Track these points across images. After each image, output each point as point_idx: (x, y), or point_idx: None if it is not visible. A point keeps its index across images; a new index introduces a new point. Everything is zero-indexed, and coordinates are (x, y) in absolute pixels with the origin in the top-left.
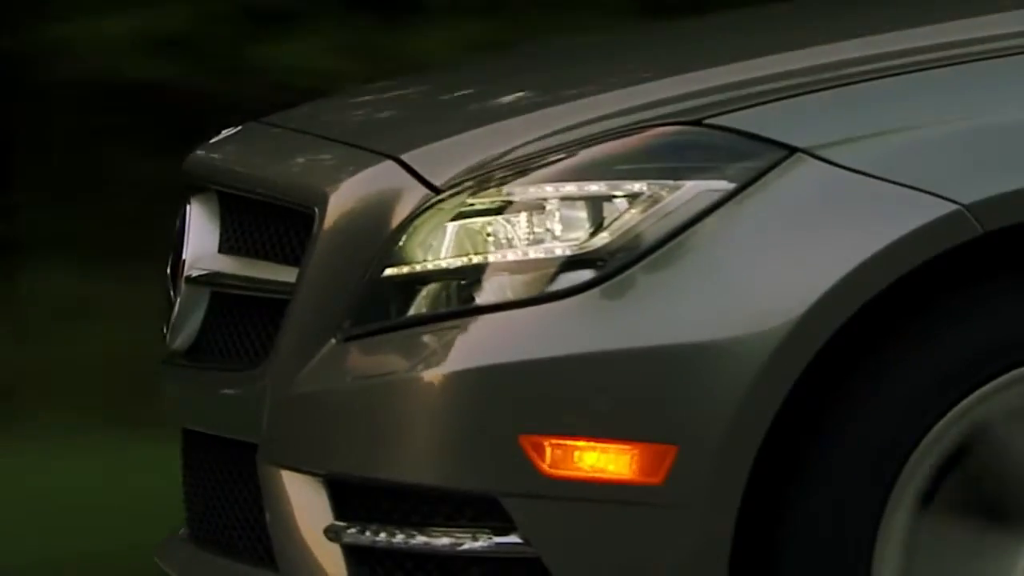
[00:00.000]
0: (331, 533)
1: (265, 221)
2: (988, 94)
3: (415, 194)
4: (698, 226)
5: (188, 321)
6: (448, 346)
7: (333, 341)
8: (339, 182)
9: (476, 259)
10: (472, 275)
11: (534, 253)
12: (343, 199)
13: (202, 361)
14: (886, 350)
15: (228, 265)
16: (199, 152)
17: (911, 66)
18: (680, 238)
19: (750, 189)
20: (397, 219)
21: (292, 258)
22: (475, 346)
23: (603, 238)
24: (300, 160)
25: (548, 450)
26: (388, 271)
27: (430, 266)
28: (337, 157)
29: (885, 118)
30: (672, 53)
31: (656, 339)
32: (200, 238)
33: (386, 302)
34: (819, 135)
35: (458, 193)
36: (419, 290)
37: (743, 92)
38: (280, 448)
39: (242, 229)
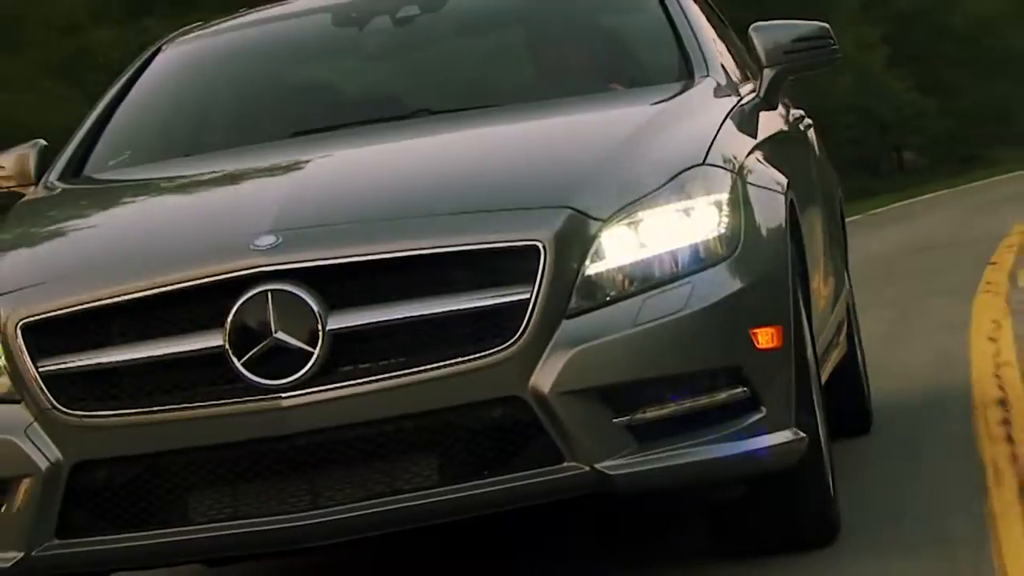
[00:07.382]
0: (619, 419)
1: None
2: None
3: (592, 224)
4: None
5: None
6: (694, 293)
7: (565, 320)
8: (547, 227)
9: (666, 247)
10: (668, 256)
11: (698, 238)
12: (555, 236)
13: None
14: None
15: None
16: None
17: None
18: (731, 222)
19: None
20: (586, 241)
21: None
22: (712, 290)
23: (724, 226)
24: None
25: (758, 336)
26: (593, 270)
27: (633, 258)
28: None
29: None
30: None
31: (758, 273)
32: None
33: (599, 287)
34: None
35: (615, 218)
36: (624, 273)
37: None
38: (564, 382)
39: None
